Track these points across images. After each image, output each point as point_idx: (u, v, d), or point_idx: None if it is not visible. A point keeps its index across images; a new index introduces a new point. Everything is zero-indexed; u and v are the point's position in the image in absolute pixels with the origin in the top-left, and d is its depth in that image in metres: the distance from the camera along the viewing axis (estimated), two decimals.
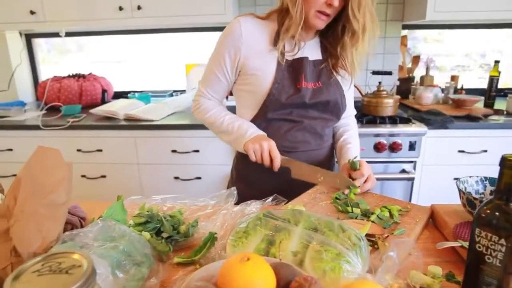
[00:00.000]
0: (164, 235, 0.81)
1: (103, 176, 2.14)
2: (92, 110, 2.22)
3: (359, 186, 1.03)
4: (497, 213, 0.56)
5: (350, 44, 1.09)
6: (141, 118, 2.09)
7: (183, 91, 2.74)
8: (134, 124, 2.06)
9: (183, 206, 0.96)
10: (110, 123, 2.09)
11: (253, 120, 1.17)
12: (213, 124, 1.19)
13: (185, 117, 2.17)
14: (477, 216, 0.58)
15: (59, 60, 2.97)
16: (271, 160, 1.08)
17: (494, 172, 1.85)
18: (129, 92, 2.78)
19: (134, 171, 2.12)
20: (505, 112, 2.19)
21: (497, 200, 0.57)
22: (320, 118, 1.17)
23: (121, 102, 2.37)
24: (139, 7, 2.19)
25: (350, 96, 1.26)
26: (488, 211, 0.57)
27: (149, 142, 2.07)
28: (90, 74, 2.68)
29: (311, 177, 1.08)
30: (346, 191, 1.02)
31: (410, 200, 2.04)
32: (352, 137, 1.26)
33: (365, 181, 1.06)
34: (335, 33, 1.11)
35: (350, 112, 1.30)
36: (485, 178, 0.90)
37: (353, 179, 1.05)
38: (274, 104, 1.11)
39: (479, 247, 0.57)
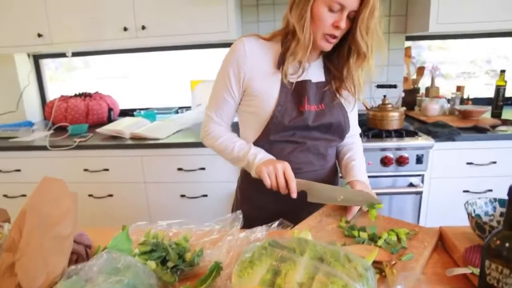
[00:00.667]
0: (170, 264, 0.80)
1: (110, 195, 2.15)
2: (99, 130, 2.24)
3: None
4: (507, 244, 0.55)
5: (355, 66, 1.08)
6: (147, 137, 2.10)
7: (188, 108, 2.76)
8: (140, 143, 2.07)
9: (188, 232, 0.96)
10: (116, 142, 2.10)
11: (256, 142, 1.16)
12: (224, 151, 1.18)
13: (191, 135, 2.17)
14: (486, 247, 0.57)
15: (66, 77, 3.02)
16: (287, 183, 1.04)
17: (504, 183, 1.82)
18: (134, 109, 2.80)
19: (140, 189, 2.13)
20: None
21: (507, 231, 0.56)
22: (323, 139, 1.17)
23: (127, 120, 2.39)
24: (143, 27, 2.22)
25: (354, 116, 1.25)
26: (498, 242, 0.56)
27: (155, 161, 2.07)
28: (96, 93, 2.71)
29: (330, 198, 1.04)
30: (350, 217, 1.01)
31: (419, 214, 2.01)
32: (356, 154, 1.24)
33: None
34: (340, 55, 1.11)
35: (354, 131, 1.29)
36: (495, 199, 0.89)
37: None
38: (277, 126, 1.10)
39: (490, 279, 0.56)
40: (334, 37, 1.04)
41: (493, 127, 2.07)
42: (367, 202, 1.01)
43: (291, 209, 1.08)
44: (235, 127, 1.25)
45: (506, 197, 0.88)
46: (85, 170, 2.13)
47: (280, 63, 1.10)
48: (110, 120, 2.59)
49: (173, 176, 2.08)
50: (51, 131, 2.37)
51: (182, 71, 2.88)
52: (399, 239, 0.87)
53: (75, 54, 2.70)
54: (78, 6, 2.25)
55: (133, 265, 0.73)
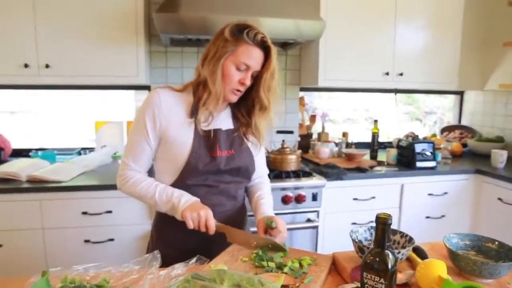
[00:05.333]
0: None
1: None
2: None
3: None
4: (377, 259, 0.73)
5: (258, 116, 1.26)
6: (48, 180, 1.98)
7: (91, 149, 2.67)
8: (38, 186, 1.94)
9: (107, 274, 0.97)
10: (9, 185, 1.93)
11: (172, 185, 1.23)
12: (145, 196, 1.21)
13: (96, 177, 2.12)
14: (364, 263, 0.74)
15: None
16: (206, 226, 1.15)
17: None
18: (29, 149, 2.60)
19: (37, 236, 1.96)
20: (386, 163, 2.60)
21: (376, 248, 0.74)
22: (233, 182, 1.30)
23: (22, 161, 2.21)
24: (47, 66, 2.16)
25: (261, 159, 1.42)
26: (371, 257, 0.74)
27: (56, 205, 1.95)
28: None
29: (245, 242, 1.16)
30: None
31: (316, 244, 2.24)
32: (265, 193, 1.40)
33: None
34: (246, 105, 1.28)
35: (262, 172, 1.45)
36: (371, 227, 1.11)
37: (272, 235, 1.19)
38: (192, 171, 1.20)
39: (367, 287, 0.73)
40: (239, 91, 1.22)
41: (371, 167, 2.46)
42: (275, 249, 1.14)
43: (207, 246, 1.17)
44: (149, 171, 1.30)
45: None
46: None
47: (193, 113, 1.22)
48: (0, 161, 2.37)
49: (77, 221, 1.98)
50: None
51: (84, 111, 2.80)
52: (301, 266, 1.02)
53: None
54: None
55: None
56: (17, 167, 2.08)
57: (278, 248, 1.14)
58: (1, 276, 1.91)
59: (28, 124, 2.79)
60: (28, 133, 2.76)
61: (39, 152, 2.49)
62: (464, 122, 3.41)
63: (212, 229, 1.15)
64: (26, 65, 2.15)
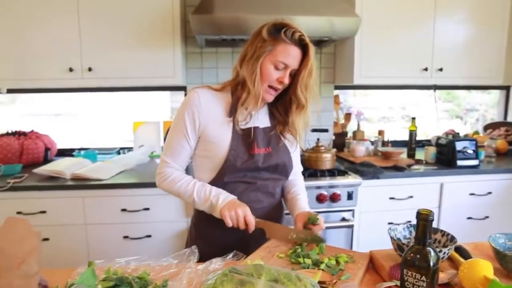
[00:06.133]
0: None
1: (46, 239, 2.05)
2: (36, 170, 2.15)
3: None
4: (418, 256, 0.71)
5: (295, 114, 1.26)
6: (90, 178, 2.08)
7: (130, 149, 2.76)
8: (81, 183, 2.03)
9: (147, 267, 1.01)
10: (55, 183, 2.04)
11: (210, 183, 1.25)
12: (183, 194, 1.24)
13: (134, 176, 2.19)
14: (404, 260, 0.72)
15: None
16: (246, 223, 1.16)
17: None
18: (72, 149, 2.73)
19: (81, 231, 2.06)
20: (424, 162, 2.51)
21: (417, 245, 0.72)
22: (271, 179, 1.31)
23: (66, 161, 2.33)
24: (90, 69, 2.26)
25: (296, 156, 1.42)
26: (412, 254, 0.72)
27: (98, 202, 2.04)
28: (32, 131, 2.62)
29: (284, 236, 1.17)
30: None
31: (351, 244, 2.20)
32: (300, 189, 1.41)
33: None
34: (283, 103, 1.28)
35: (296, 169, 1.45)
36: (410, 225, 1.08)
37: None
38: (231, 168, 1.22)
39: (408, 284, 0.71)
40: (276, 90, 1.22)
41: (409, 166, 2.39)
42: (315, 241, 1.14)
43: (243, 243, 1.18)
44: (188, 169, 1.33)
45: None
46: (19, 212, 2.02)
47: (232, 112, 1.23)
48: (46, 160, 2.50)
49: (116, 217, 2.06)
50: None
51: (123, 112, 2.90)
52: (337, 263, 1.01)
53: (10, 91, 2.62)
54: (23, 44, 2.24)
55: None
56: (62, 166, 2.19)
57: (317, 240, 1.14)
58: (47, 266, 2.05)
59: (71, 125, 2.93)
60: (71, 133, 2.90)
61: (82, 152, 2.62)
62: (510, 118, 3.23)
63: (252, 225, 1.16)
64: (71, 69, 2.26)
